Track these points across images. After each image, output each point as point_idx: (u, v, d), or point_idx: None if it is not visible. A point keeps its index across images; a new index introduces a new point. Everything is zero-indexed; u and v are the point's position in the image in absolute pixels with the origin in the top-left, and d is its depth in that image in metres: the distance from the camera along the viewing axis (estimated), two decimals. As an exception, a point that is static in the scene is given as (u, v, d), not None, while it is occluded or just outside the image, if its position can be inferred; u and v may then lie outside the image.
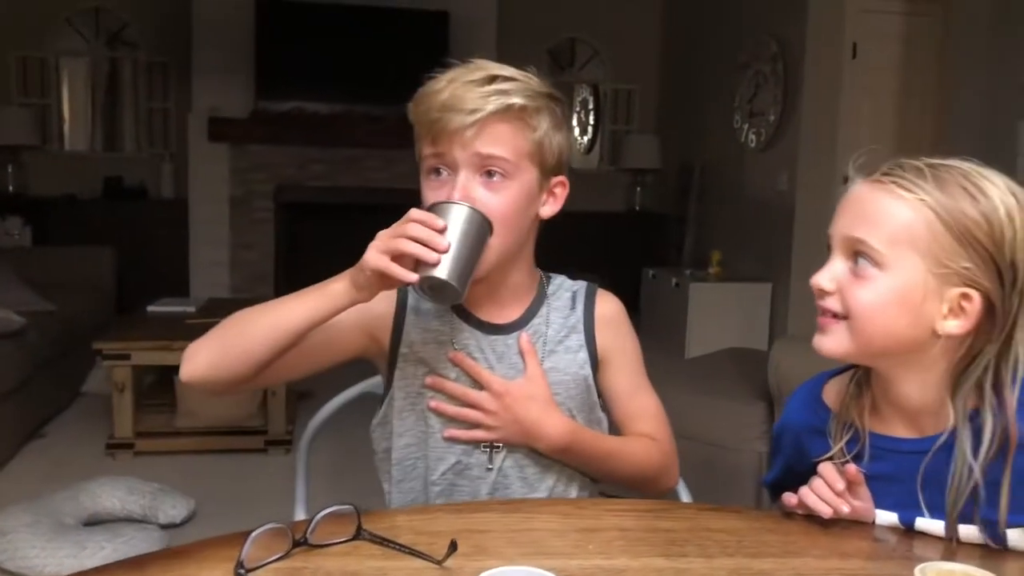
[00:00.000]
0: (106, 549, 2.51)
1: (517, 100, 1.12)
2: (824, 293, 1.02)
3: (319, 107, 5.87)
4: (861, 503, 1.04)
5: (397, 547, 0.93)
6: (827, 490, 1.02)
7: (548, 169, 1.19)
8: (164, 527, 2.81)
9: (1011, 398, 0.98)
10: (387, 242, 1.05)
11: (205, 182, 5.88)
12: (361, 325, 1.22)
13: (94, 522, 2.80)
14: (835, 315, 1.02)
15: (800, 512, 1.04)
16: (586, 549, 0.96)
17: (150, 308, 4.04)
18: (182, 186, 6.05)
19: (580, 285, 1.30)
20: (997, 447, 0.97)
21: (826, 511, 1.01)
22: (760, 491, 2.71)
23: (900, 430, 1.07)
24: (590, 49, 6.91)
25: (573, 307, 1.27)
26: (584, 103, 7.06)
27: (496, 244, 1.13)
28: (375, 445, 1.30)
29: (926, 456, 1.02)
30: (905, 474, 1.04)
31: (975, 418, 0.99)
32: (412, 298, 1.25)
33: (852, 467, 1.03)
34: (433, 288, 1.06)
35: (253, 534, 0.89)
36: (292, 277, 6.08)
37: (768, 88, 5.22)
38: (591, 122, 7.06)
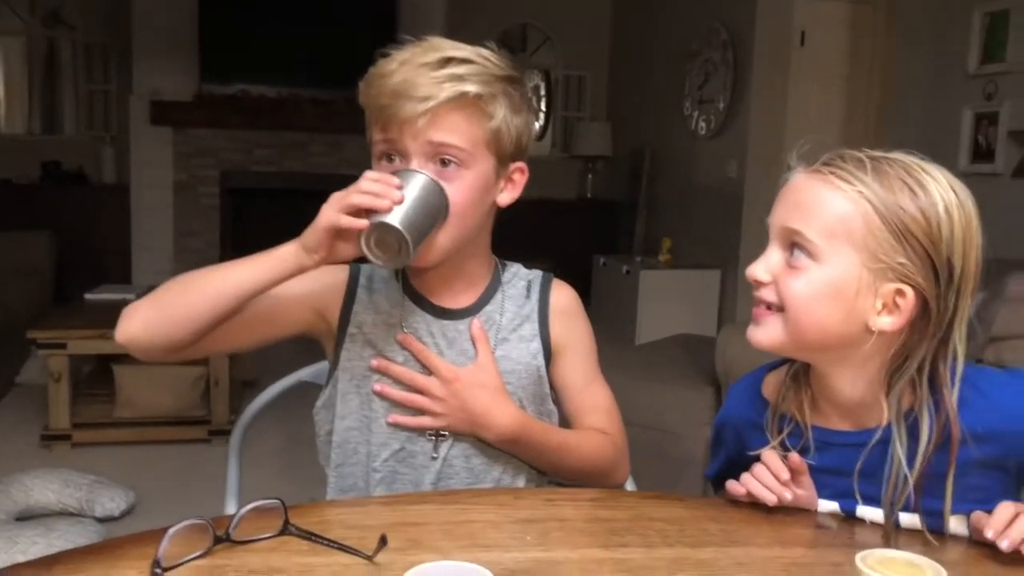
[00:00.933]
0: (39, 544, 2.43)
1: (472, 88, 1.07)
2: (759, 284, 1.00)
3: (265, 90, 5.76)
4: (804, 492, 1.03)
5: (325, 542, 0.89)
6: (771, 478, 1.00)
7: (506, 156, 1.15)
8: (101, 520, 2.73)
9: (950, 396, 0.97)
10: (340, 199, 1.03)
11: (148, 167, 5.74)
12: (309, 300, 1.18)
13: (27, 516, 2.71)
14: (769, 306, 1.00)
15: (745, 500, 1.02)
16: (524, 541, 0.93)
17: (88, 296, 3.93)
18: (124, 171, 5.91)
19: (536, 274, 1.28)
20: (935, 446, 0.96)
21: (770, 499, 1.00)
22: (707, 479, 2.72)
23: (837, 423, 1.05)
24: (541, 35, 6.87)
25: (528, 296, 1.24)
26: (536, 89, 7.02)
27: (451, 233, 1.11)
28: (317, 428, 1.26)
29: (864, 449, 1.00)
30: (845, 466, 1.02)
31: (909, 416, 0.98)
32: (364, 276, 1.22)
33: (795, 456, 1.02)
34: (382, 242, 1.03)
35: (171, 530, 0.84)
36: (238, 264, 5.96)
37: (718, 75, 5.23)
38: (543, 108, 7.03)
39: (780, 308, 0.99)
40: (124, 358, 3.54)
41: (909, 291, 0.95)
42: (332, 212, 1.02)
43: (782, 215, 1.00)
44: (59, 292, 5.03)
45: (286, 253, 1.06)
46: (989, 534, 0.90)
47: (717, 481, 1.23)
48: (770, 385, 1.13)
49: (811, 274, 0.97)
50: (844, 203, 0.95)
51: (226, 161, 5.85)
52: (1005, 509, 0.92)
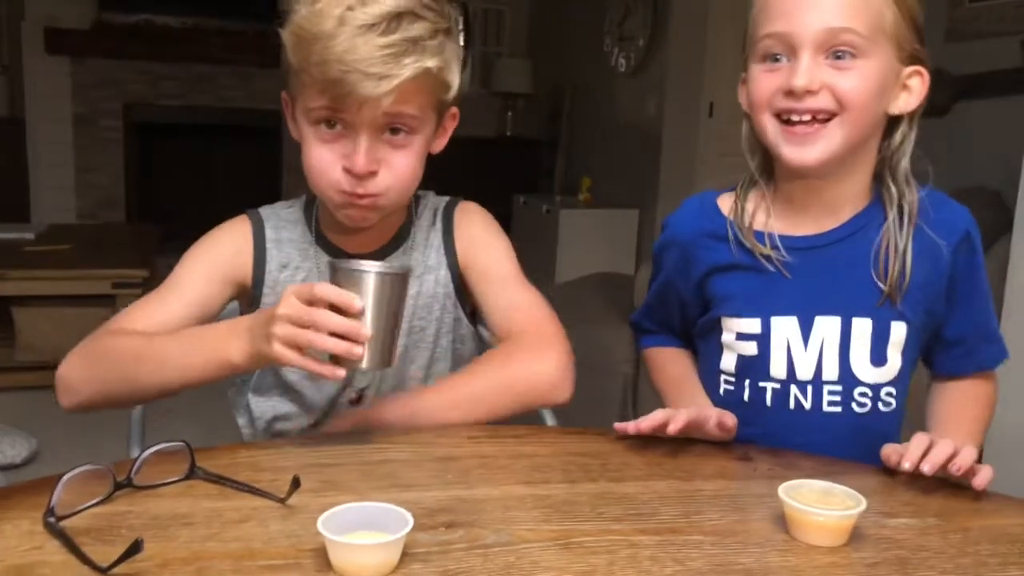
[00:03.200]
0: (-66, 494, 2.32)
1: (432, 63, 1.01)
2: (809, 93, 0.99)
3: (169, 20, 5.48)
4: (722, 433, 1.03)
5: (235, 485, 0.85)
6: (659, 415, 0.99)
7: (445, 108, 1.11)
8: (3, 468, 2.62)
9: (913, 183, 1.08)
10: (296, 334, 0.89)
11: (44, 99, 5.43)
12: (226, 280, 1.14)
13: (-78, 465, 2.58)
14: (815, 118, 1.00)
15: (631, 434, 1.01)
16: (444, 479, 0.91)
17: (-17, 234, 3.73)
18: (18, 103, 5.57)
19: (442, 200, 1.24)
20: (912, 225, 1.06)
21: (632, 430, 1.00)
22: (626, 413, 2.75)
23: (809, 228, 1.09)
24: (460, -33, 6.70)
25: (434, 224, 1.21)
26: (454, 23, 6.86)
27: (389, 201, 1.08)
28: (233, 396, 1.24)
29: (827, 248, 1.07)
30: (810, 271, 1.07)
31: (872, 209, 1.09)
32: (271, 229, 1.17)
33: (731, 419, 1.02)
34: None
35: (65, 477, 0.78)
36: (145, 201, 5.74)
37: (638, 11, 5.18)
38: (461, 43, 6.88)
39: (829, 117, 1.00)
40: (24, 300, 3.38)
41: (924, 71, 1.04)
42: (295, 356, 0.90)
43: (817, 17, 0.99)
44: (-50, 230, 4.76)
45: (236, 362, 0.97)
46: (906, 465, 0.92)
47: (639, 325, 1.29)
48: (725, 204, 1.14)
49: (863, 70, 1.00)
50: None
51: (129, 94, 5.57)
52: (920, 439, 0.94)
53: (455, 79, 1.07)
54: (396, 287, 0.92)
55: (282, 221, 1.19)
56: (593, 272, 3.81)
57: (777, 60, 1.02)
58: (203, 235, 1.18)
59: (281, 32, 1.04)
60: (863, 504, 0.80)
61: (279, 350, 0.90)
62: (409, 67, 0.98)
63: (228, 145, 5.84)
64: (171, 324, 1.07)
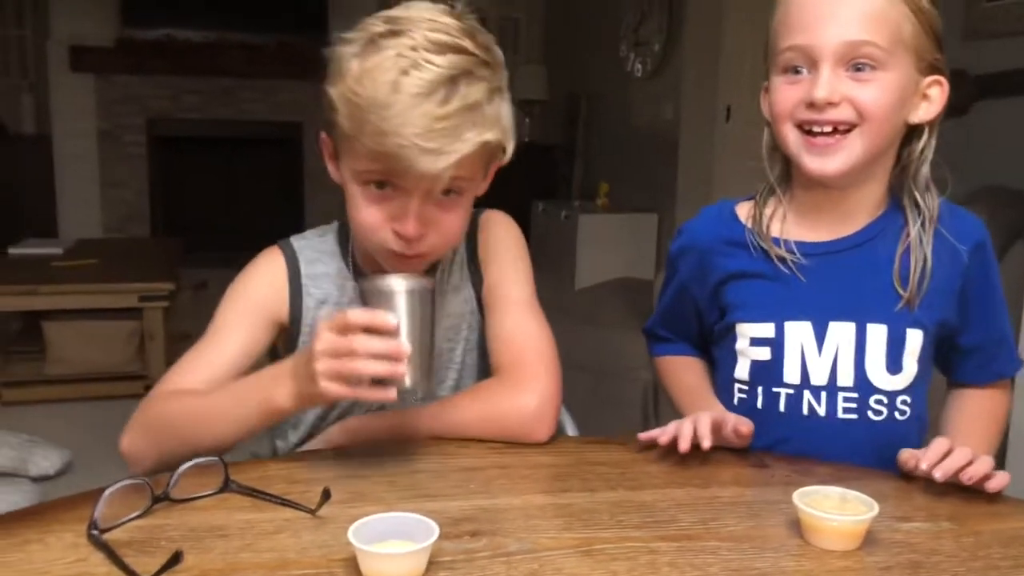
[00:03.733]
0: (-28, 506, 2.37)
1: (492, 135, 0.98)
2: (830, 105, 1.01)
3: (190, 34, 5.56)
4: (739, 440, 1.05)
5: (267, 497, 0.88)
6: (688, 429, 1.00)
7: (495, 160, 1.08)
8: (36, 480, 2.67)
9: (934, 192, 1.09)
10: (338, 366, 0.88)
11: (70, 116, 5.53)
12: (267, 322, 1.13)
13: (-41, 478, 2.64)
14: (836, 129, 1.02)
15: (645, 441, 1.04)
16: (468, 489, 0.94)
17: (12, 250, 3.81)
18: (44, 120, 5.67)
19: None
20: (930, 235, 1.08)
21: (663, 441, 1.01)
22: (647, 419, 2.77)
23: (825, 234, 1.11)
24: (475, -25, 6.75)
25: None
26: (470, 32, 6.91)
27: (442, 253, 1.11)
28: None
29: (843, 254, 1.09)
30: (825, 276, 1.09)
31: (889, 215, 1.10)
32: (304, 263, 1.15)
33: (747, 426, 1.03)
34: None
35: (107, 491, 0.82)
36: (169, 214, 5.82)
37: (653, 16, 5.20)
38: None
39: (850, 128, 1.02)
40: (53, 314, 3.45)
41: (944, 81, 1.05)
42: (341, 388, 0.89)
43: (837, 31, 1.01)
44: (-21, 247, 4.85)
45: (284, 407, 0.97)
46: (924, 466, 0.94)
47: (652, 333, 1.30)
48: (743, 212, 1.16)
49: (883, 82, 1.01)
50: (894, 9, 1.01)
51: (152, 109, 5.66)
52: (939, 444, 0.96)
53: (511, 143, 1.03)
54: (427, 299, 0.93)
55: (316, 253, 1.17)
56: (613, 277, 3.82)
57: (798, 72, 1.04)
58: (238, 275, 1.16)
59: (330, 91, 1.00)
60: (875, 509, 0.82)
61: (325, 386, 0.89)
62: (469, 142, 0.96)
63: (250, 157, 5.92)
64: (219, 378, 1.06)
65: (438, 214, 1.03)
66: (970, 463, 0.92)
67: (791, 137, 1.06)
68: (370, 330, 0.88)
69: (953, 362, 1.17)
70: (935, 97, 1.06)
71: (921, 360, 1.10)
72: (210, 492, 0.89)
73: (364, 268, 1.15)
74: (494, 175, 1.12)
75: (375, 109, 0.94)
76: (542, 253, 5.61)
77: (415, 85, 0.94)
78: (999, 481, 0.93)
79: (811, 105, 1.02)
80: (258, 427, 1.01)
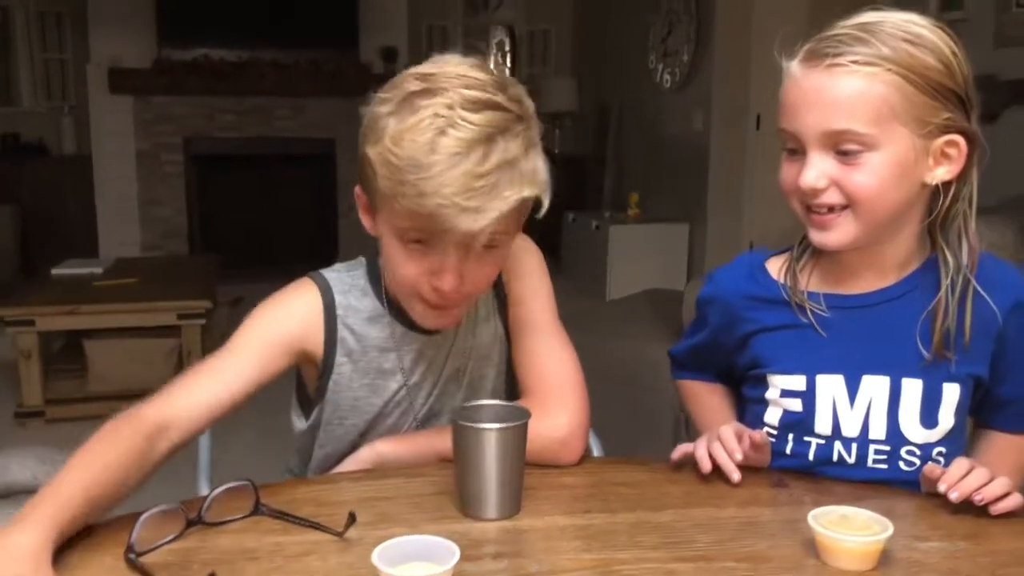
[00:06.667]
0: (17, 522, 2.43)
1: (529, 191, 0.99)
2: (818, 191, 1.01)
3: (225, 54, 5.66)
4: (759, 456, 1.06)
5: (296, 520, 0.91)
6: (723, 454, 1.03)
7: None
8: (79, 496, 2.73)
9: (974, 238, 1.05)
10: None
11: (109, 136, 5.65)
12: (289, 351, 1.13)
13: (5, 495, 2.71)
14: (831, 208, 1.02)
15: (677, 459, 1.06)
16: (490, 511, 0.96)
17: (55, 271, 3.90)
18: (85, 141, 5.81)
19: None
20: (960, 289, 1.04)
21: (706, 467, 1.03)
22: (678, 432, 2.77)
23: (858, 287, 1.09)
24: (504, -11, 6.80)
25: None
26: (500, 45, 6.96)
27: (473, 303, 1.12)
28: (296, 440, 1.26)
29: (878, 308, 1.06)
30: (858, 330, 1.07)
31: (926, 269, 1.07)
32: (341, 301, 1.16)
33: (759, 435, 1.05)
34: None
35: (143, 516, 0.86)
36: (206, 231, 5.92)
37: (681, 27, 5.21)
38: (508, 65, 6.97)
39: (844, 206, 1.01)
40: (95, 332, 3.53)
41: (960, 139, 1.00)
42: None
43: (817, 119, 0.99)
44: (24, 267, 4.97)
45: None
46: (942, 487, 0.94)
47: (677, 359, 1.30)
48: (774, 266, 1.15)
49: (872, 164, 0.98)
50: (878, 86, 0.96)
51: (188, 128, 5.77)
52: (960, 464, 0.96)
53: (548, 196, 1.03)
54: (519, 435, 0.95)
55: (347, 287, 1.17)
56: (645, 287, 3.82)
57: (795, 152, 1.04)
58: (268, 301, 1.15)
59: (367, 151, 1.00)
60: (890, 529, 0.83)
61: None
62: (508, 200, 0.97)
63: (283, 173, 6.00)
64: (214, 408, 1.06)
65: (475, 265, 1.03)
66: (987, 483, 0.93)
67: (798, 210, 1.06)
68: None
69: (988, 410, 1.14)
70: (955, 156, 1.01)
71: (959, 412, 1.07)
72: (241, 516, 0.92)
73: (397, 304, 1.14)
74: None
75: (414, 170, 0.94)
76: (573, 264, 5.64)
77: (453, 145, 0.94)
78: (1005, 504, 0.93)
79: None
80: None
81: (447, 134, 0.94)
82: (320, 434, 1.20)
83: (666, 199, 5.45)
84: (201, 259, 4.89)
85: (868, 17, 1.00)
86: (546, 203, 1.03)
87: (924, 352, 1.04)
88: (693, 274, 5.04)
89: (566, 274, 5.47)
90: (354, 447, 1.17)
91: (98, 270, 3.90)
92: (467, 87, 0.97)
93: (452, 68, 0.99)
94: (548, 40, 6.97)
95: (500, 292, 1.21)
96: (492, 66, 1.06)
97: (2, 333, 3.89)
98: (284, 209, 6.03)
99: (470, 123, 0.94)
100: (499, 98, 0.98)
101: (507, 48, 6.97)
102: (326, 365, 1.15)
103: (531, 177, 0.99)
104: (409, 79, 0.99)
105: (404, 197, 0.96)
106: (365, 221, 1.09)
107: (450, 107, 0.95)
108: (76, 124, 5.92)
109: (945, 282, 1.04)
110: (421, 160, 0.94)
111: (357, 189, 1.09)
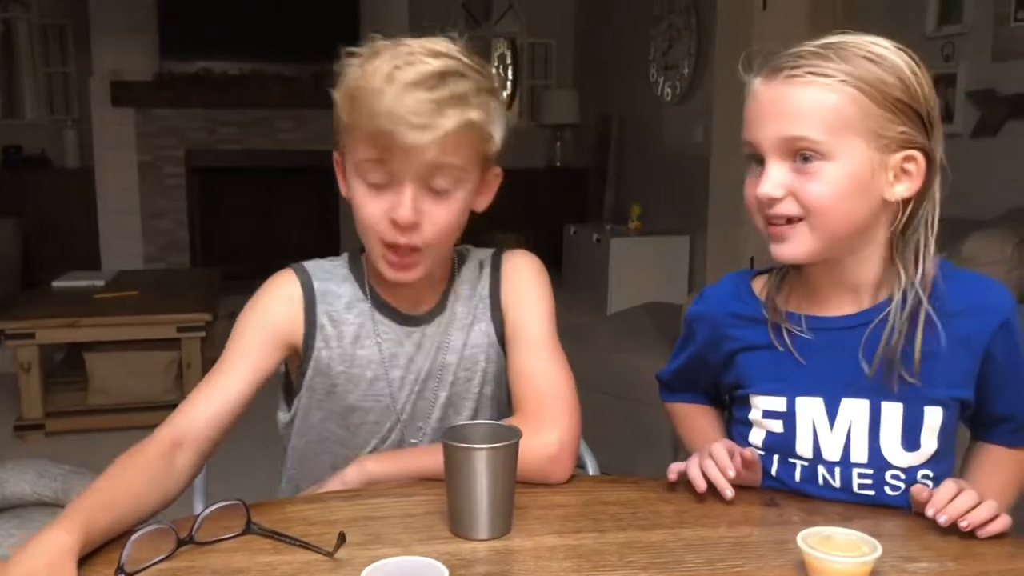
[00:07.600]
0: (16, 536, 2.42)
1: (475, 115, 1.06)
2: (773, 201, 1.01)
3: (227, 67, 5.70)
4: (750, 474, 1.06)
5: (287, 540, 0.92)
6: (716, 471, 1.03)
7: (487, 165, 1.15)
8: (78, 509, 2.73)
9: (930, 259, 1.03)
10: None
11: (111, 149, 5.69)
12: (280, 344, 1.18)
13: (4, 508, 2.71)
14: (788, 220, 1.02)
15: (675, 480, 1.06)
16: (481, 530, 0.96)
17: (56, 283, 3.91)
18: (87, 153, 5.83)
19: (488, 252, 1.28)
20: (910, 311, 1.02)
21: (701, 487, 1.03)
22: (677, 446, 2.77)
23: (835, 309, 1.09)
24: (505, 2, 6.82)
25: (480, 274, 1.25)
26: (502, 58, 6.98)
27: (430, 254, 1.13)
28: (284, 443, 1.29)
29: (867, 328, 1.05)
30: (836, 353, 1.06)
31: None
32: (319, 287, 1.20)
33: (748, 452, 1.05)
34: None
35: (134, 536, 0.86)
36: (208, 243, 5.93)
37: (682, 41, 5.23)
38: (509, 77, 7.00)
39: (800, 217, 1.01)
40: (95, 345, 3.54)
41: (918, 154, 1.00)
42: None
43: (774, 127, 1.00)
44: (26, 278, 4.98)
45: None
46: (930, 512, 0.95)
47: (665, 382, 1.30)
48: (759, 285, 1.15)
49: (827, 174, 0.99)
50: (832, 96, 0.98)
51: (190, 140, 5.80)
52: (948, 487, 0.96)
53: (498, 133, 1.10)
54: (510, 455, 0.95)
55: (327, 274, 1.22)
56: (646, 300, 3.83)
57: (758, 165, 1.04)
58: (252, 299, 1.20)
59: (334, 93, 1.10)
60: (879, 550, 0.83)
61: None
62: (452, 118, 1.03)
63: (285, 185, 6.02)
64: (227, 412, 1.11)
65: (431, 205, 1.09)
66: (974, 507, 0.93)
67: (760, 225, 1.06)
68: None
69: (983, 425, 1.14)
70: (914, 172, 1.01)
71: (942, 435, 1.06)
72: (232, 535, 0.93)
73: (376, 290, 1.20)
74: (499, 189, 1.18)
75: (371, 95, 1.04)
76: (574, 277, 5.64)
77: (407, 76, 1.03)
78: (993, 527, 0.93)
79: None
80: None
81: (403, 68, 1.04)
82: (298, 422, 1.22)
83: (667, 212, 5.46)
84: (202, 271, 4.90)
85: (833, 38, 1.02)
86: (497, 138, 1.11)
87: (913, 373, 1.03)
88: (694, 287, 5.04)
89: (567, 287, 5.47)
90: (330, 439, 1.20)
91: (100, 282, 3.91)
92: (430, 43, 1.08)
93: (423, 39, 1.10)
94: (550, 53, 6.99)
95: (497, 302, 1.23)
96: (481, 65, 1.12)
97: (2, 346, 3.91)
98: (286, 221, 6.04)
99: (427, 62, 1.05)
100: (459, 55, 1.08)
101: (509, 60, 6.99)
102: (306, 350, 1.19)
103: (479, 106, 1.07)
104: (379, 40, 1.09)
105: (361, 118, 1.05)
106: (341, 187, 1.17)
107: (411, 52, 1.06)
108: (78, 137, 5.95)
109: (897, 296, 1.03)
110: (378, 87, 1.03)
111: (335, 155, 1.16)
